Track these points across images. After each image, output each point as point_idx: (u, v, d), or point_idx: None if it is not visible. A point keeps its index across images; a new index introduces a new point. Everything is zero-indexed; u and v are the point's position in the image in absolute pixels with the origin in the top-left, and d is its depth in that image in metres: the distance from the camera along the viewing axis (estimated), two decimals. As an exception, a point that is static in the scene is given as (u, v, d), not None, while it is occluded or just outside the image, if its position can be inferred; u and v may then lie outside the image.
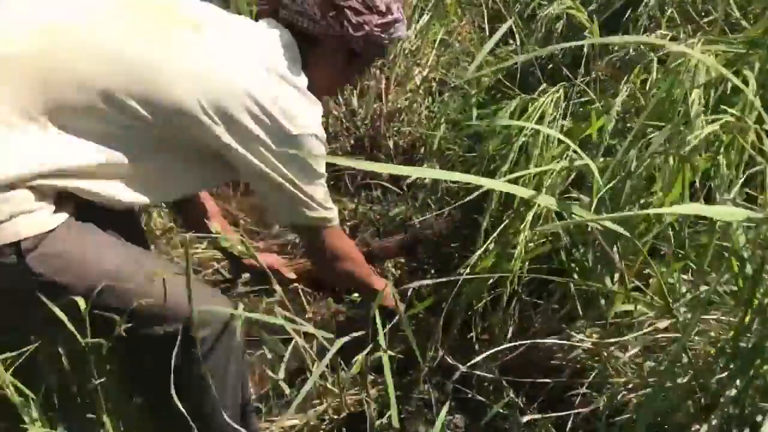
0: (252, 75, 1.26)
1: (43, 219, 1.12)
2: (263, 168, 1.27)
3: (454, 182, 2.13)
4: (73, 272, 1.13)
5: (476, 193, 1.62)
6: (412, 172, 1.34)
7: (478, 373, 1.55)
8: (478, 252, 1.58)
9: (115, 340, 1.14)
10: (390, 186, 2.32)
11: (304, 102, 1.31)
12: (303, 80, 1.33)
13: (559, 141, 1.64)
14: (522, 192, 0.96)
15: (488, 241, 1.58)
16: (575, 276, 1.57)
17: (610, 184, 1.41)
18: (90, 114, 1.15)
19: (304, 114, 1.31)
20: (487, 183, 0.91)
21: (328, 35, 1.37)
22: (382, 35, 1.39)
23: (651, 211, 1.35)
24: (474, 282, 1.54)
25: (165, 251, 2.05)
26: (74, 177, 1.15)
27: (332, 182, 2.48)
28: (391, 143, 2.48)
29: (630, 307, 1.27)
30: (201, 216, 1.67)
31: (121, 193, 1.21)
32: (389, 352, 1.28)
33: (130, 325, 1.13)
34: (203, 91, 1.20)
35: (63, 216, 1.15)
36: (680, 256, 1.30)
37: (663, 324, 1.25)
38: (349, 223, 2.19)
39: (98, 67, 1.16)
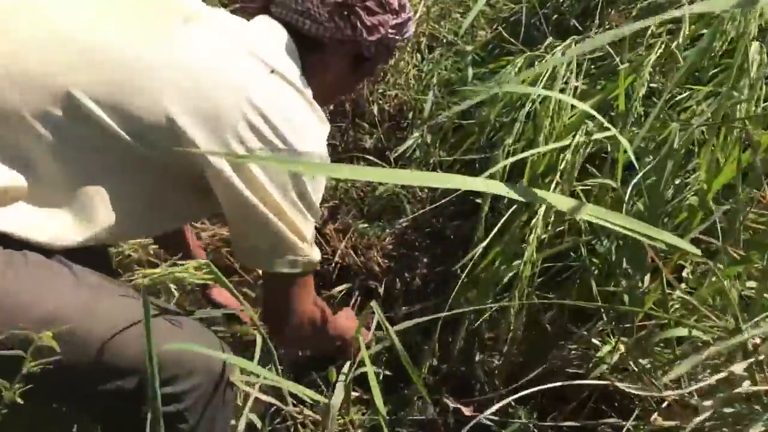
0: (253, 76, 1.00)
1: None
2: (249, 198, 0.99)
3: (450, 154, 1.85)
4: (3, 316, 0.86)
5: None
6: (386, 177, 1.03)
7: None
8: (480, 247, 1.31)
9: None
10: (376, 160, 2.02)
11: (314, 116, 1.05)
12: (309, 90, 1.07)
13: (574, 107, 1.36)
14: (558, 201, 0.67)
15: (489, 237, 1.30)
16: (596, 273, 1.31)
17: (650, 164, 1.13)
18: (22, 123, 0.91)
19: (313, 129, 1.04)
20: (500, 190, 0.62)
21: (334, 39, 1.12)
22: (396, 37, 1.18)
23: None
24: (477, 287, 1.28)
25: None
26: None
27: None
28: (375, 108, 2.17)
29: (682, 331, 1.00)
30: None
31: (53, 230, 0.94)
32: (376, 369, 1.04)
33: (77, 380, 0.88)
34: (191, 96, 0.94)
35: None
36: (740, 256, 1.02)
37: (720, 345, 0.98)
38: (328, 204, 1.91)
39: (49, 57, 0.91)
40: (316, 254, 1.11)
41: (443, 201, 1.85)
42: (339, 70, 1.17)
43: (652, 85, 1.48)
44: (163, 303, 1.01)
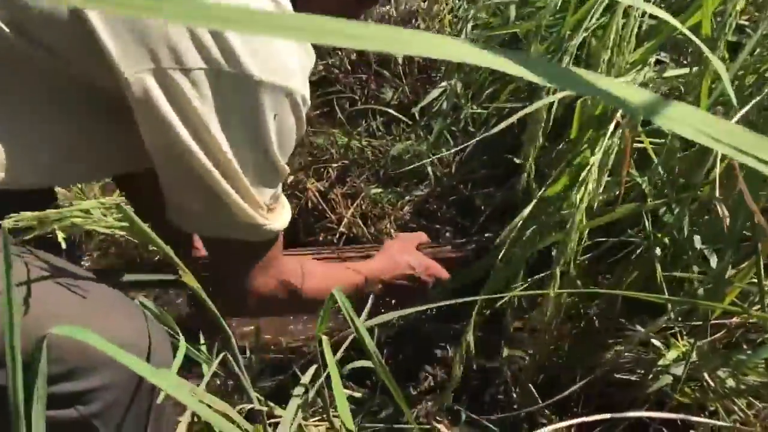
0: None
1: None
2: (181, 137, 0.73)
3: (483, 107, 1.54)
4: None
5: (514, 118, 1.00)
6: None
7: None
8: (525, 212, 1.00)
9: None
10: (396, 114, 1.72)
11: (291, 42, 0.77)
12: (289, 4, 0.80)
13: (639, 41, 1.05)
14: (628, 93, 0.35)
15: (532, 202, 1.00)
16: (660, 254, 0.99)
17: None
18: None
19: (286, 57, 0.75)
20: (542, 71, 0.32)
21: None
22: None
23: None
24: (510, 260, 0.97)
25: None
26: None
27: (322, 109, 1.90)
28: (401, 57, 1.87)
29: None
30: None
31: None
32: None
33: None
34: None
35: None
36: None
37: None
38: (336, 164, 1.62)
39: None
40: (277, 221, 0.86)
41: (473, 163, 1.55)
42: None
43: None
44: (63, 261, 0.74)
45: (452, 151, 1.56)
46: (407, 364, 1.26)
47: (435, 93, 1.58)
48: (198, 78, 0.70)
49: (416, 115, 1.68)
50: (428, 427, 1.03)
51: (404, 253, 1.13)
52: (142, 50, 0.69)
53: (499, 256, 1.01)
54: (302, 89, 0.77)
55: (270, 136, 0.76)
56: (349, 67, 1.94)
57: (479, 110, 1.52)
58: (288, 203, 0.90)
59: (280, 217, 0.87)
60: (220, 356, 0.80)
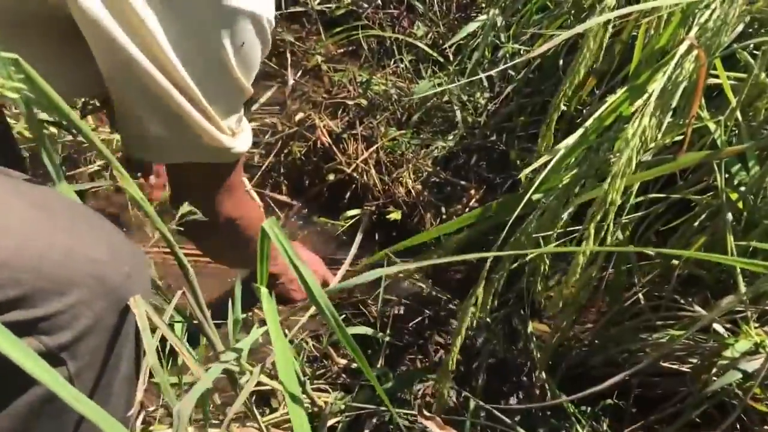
0: None
1: None
2: (136, 57, 0.65)
3: (523, 43, 1.33)
4: None
5: (557, 40, 0.79)
6: None
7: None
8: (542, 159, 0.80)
9: None
10: (427, 49, 1.52)
11: None
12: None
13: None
14: None
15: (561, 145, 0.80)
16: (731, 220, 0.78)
17: None
18: None
19: None
20: None
21: None
22: None
23: None
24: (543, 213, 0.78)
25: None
26: None
27: (347, 48, 1.71)
28: (438, -8, 1.67)
29: None
30: None
31: None
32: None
33: None
34: None
35: None
36: None
37: None
38: (353, 101, 1.43)
39: None
40: (243, 143, 0.79)
41: (509, 111, 1.34)
42: None
43: None
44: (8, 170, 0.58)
45: (487, 96, 1.36)
46: (419, 335, 1.09)
47: (472, 26, 1.38)
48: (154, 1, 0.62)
49: (450, 55, 1.47)
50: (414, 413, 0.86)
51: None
52: None
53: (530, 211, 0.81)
54: (266, 11, 0.69)
55: (231, 61, 0.69)
56: (380, 2, 1.74)
57: (519, 47, 1.31)
58: (248, 125, 0.82)
59: (244, 139, 0.79)
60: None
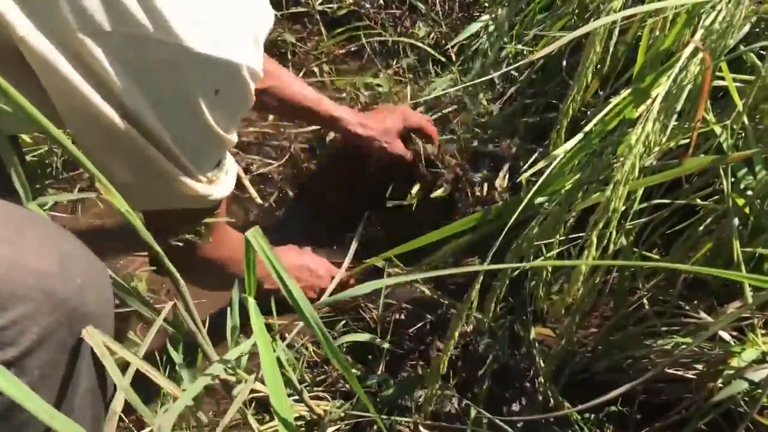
0: None
1: None
2: (97, 104, 0.60)
3: (529, 47, 1.31)
4: None
5: (562, 41, 0.77)
6: None
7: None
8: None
9: None
10: (430, 50, 1.51)
11: None
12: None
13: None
14: None
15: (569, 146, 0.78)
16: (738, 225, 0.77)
17: None
18: None
19: (231, 17, 0.63)
20: None
21: None
22: None
23: None
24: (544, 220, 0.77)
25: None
26: None
27: (348, 48, 1.70)
28: (441, -8, 1.65)
29: None
30: None
31: None
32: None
33: None
34: None
35: None
36: None
37: None
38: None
39: None
40: (221, 189, 0.75)
41: (513, 109, 1.33)
42: None
43: None
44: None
45: (490, 96, 1.34)
46: (421, 340, 1.07)
47: (475, 27, 1.36)
48: (114, 42, 0.57)
49: (452, 53, 1.46)
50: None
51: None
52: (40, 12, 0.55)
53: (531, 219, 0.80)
54: (251, 61, 0.65)
55: (203, 110, 0.64)
56: (382, 2, 1.73)
57: (523, 47, 1.29)
58: (234, 164, 0.78)
59: (224, 185, 0.76)
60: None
